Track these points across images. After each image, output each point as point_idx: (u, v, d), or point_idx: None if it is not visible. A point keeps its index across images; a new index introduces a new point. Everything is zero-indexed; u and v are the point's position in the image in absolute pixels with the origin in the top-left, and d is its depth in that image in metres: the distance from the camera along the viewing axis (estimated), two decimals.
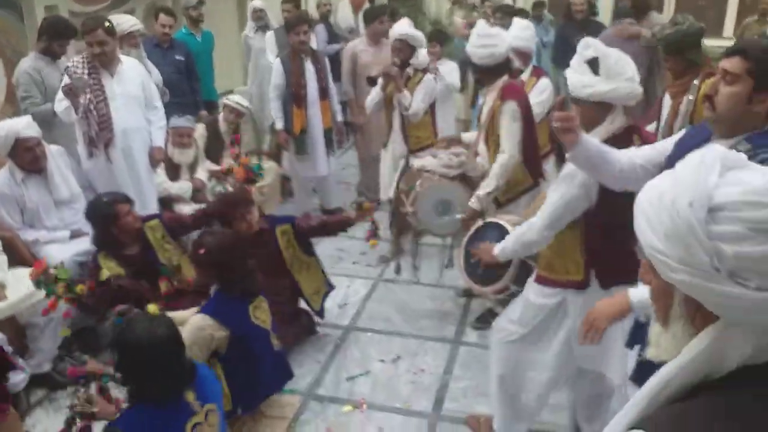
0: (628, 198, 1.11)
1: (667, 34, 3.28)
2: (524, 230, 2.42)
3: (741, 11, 9.35)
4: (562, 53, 5.87)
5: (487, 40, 3.32)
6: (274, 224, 3.59)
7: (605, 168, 2.01)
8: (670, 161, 1.87)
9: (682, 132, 2.03)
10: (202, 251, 2.77)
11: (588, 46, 2.24)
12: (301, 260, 3.66)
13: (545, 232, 2.34)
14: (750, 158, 1.37)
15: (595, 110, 2.23)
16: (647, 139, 2.30)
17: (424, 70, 4.43)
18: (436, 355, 3.59)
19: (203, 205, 4.08)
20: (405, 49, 4.29)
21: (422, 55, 4.52)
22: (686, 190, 0.85)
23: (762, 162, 1.62)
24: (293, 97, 4.88)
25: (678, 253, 0.85)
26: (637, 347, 1.92)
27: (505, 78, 3.38)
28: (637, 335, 1.90)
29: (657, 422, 0.89)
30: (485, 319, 3.83)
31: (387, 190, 4.68)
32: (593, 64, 2.20)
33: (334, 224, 3.79)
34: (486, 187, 3.31)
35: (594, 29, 5.55)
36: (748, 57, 1.71)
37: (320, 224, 3.78)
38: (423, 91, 4.32)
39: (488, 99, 3.45)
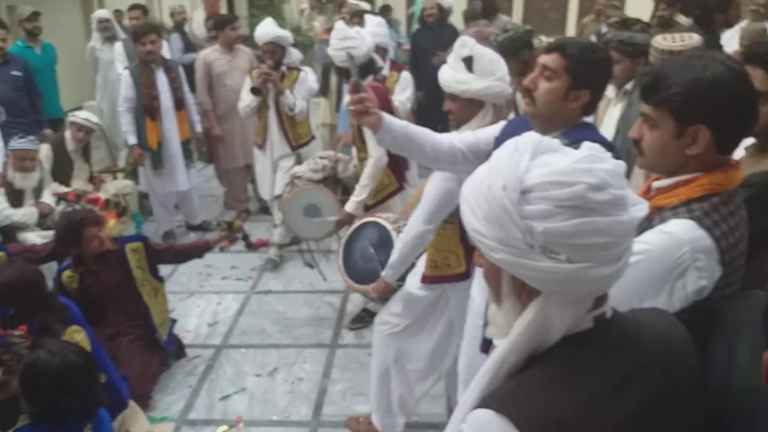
0: None
1: (501, 40, 3.56)
2: (406, 234, 2.44)
3: (580, 11, 10.16)
4: (418, 58, 6.03)
5: (348, 42, 3.33)
6: (124, 242, 3.34)
7: (416, 150, 2.01)
8: (497, 145, 1.93)
9: (503, 122, 2.10)
10: None
11: (464, 45, 2.29)
12: (150, 284, 3.42)
13: (427, 227, 2.37)
14: None
15: (469, 106, 2.30)
16: None
17: (297, 68, 4.45)
18: (314, 361, 3.54)
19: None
20: (276, 50, 4.29)
21: (294, 53, 4.54)
22: (500, 175, 0.90)
23: None
24: (146, 109, 4.62)
25: (496, 234, 0.90)
26: None
27: (370, 79, 3.40)
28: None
29: (498, 398, 0.92)
30: (361, 319, 3.85)
31: (267, 190, 4.65)
32: (468, 62, 2.27)
33: (191, 251, 3.60)
34: (360, 192, 3.36)
35: (448, 33, 5.73)
36: (565, 54, 1.75)
37: (177, 251, 3.59)
38: (302, 88, 4.37)
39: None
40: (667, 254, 1.29)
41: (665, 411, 0.99)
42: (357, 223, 3.05)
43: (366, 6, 6.18)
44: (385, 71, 4.24)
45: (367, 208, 3.48)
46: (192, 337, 3.79)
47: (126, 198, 4.72)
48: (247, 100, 4.39)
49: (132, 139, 4.72)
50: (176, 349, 3.59)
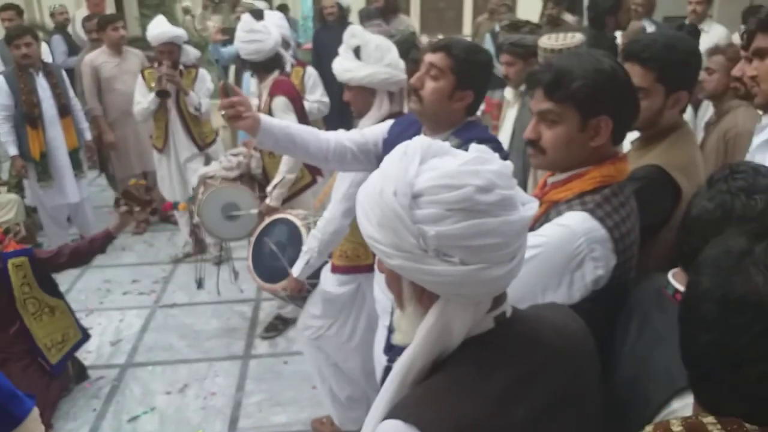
0: None
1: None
2: (324, 229, 2.39)
3: (475, 10, 10.46)
4: (321, 58, 5.97)
5: (254, 35, 3.27)
6: (7, 258, 2.99)
7: (301, 150, 1.97)
8: (386, 147, 1.95)
9: (390, 122, 2.09)
10: None
11: (353, 35, 2.29)
12: (41, 301, 3.10)
13: (345, 221, 2.34)
14: None
15: (361, 95, 2.30)
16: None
17: (195, 66, 4.35)
18: (227, 374, 3.42)
19: None
20: (174, 50, 4.19)
21: (191, 51, 4.45)
22: (391, 181, 0.90)
23: None
24: (26, 117, 4.28)
25: (391, 240, 0.89)
26: None
27: (276, 74, 3.37)
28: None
29: (406, 407, 0.92)
30: (274, 327, 3.77)
31: (176, 194, 4.50)
32: (357, 51, 2.27)
33: (89, 247, 3.12)
34: (284, 183, 3.34)
35: None
36: (451, 54, 1.77)
37: (71, 252, 3.11)
38: (202, 86, 4.31)
39: (263, 95, 3.42)
40: (564, 246, 1.32)
41: (569, 405, 1.01)
42: (266, 221, 3.00)
43: (262, 5, 6.05)
44: (288, 67, 4.19)
45: (281, 202, 3.44)
46: (94, 358, 3.57)
47: (23, 223, 4.31)
48: (144, 103, 4.22)
49: (12, 150, 4.36)
50: (77, 372, 3.36)
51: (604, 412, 1.12)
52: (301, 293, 2.64)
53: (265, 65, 3.35)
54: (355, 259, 2.50)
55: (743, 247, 0.77)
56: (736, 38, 3.62)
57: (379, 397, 0.98)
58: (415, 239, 0.87)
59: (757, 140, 1.66)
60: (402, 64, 2.35)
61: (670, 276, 1.27)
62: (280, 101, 3.28)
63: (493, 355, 0.96)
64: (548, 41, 2.86)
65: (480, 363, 0.95)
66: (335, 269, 2.56)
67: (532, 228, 1.38)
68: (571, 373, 1.03)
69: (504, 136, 3.22)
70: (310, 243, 2.45)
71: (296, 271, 2.52)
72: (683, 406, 1.06)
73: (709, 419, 0.74)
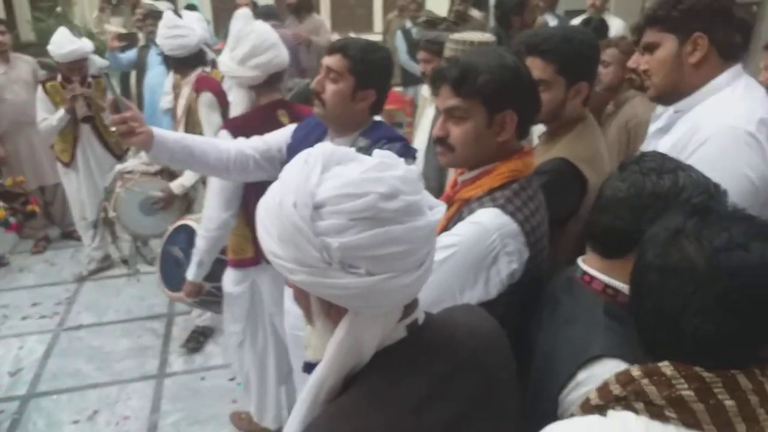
0: None
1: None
2: (207, 227, 2.33)
3: (386, 7, 10.48)
4: None
5: (178, 30, 3.22)
6: None
7: (199, 162, 1.90)
8: (291, 152, 1.92)
9: (293, 126, 2.05)
10: None
11: (239, 29, 2.29)
12: None
13: (227, 213, 2.29)
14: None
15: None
16: (299, 114, 2.30)
17: (100, 76, 4.15)
18: (140, 396, 3.24)
19: None
20: (83, 65, 4.02)
21: (97, 60, 4.32)
22: (291, 192, 0.85)
23: None
24: None
25: (293, 255, 0.85)
26: None
27: (199, 71, 3.33)
28: None
29: (319, 427, 0.90)
30: (195, 339, 3.63)
31: (81, 210, 4.32)
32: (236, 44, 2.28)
33: None
34: (191, 177, 3.33)
35: None
36: (347, 55, 1.76)
37: None
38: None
39: (183, 92, 3.36)
40: (478, 243, 1.34)
41: (486, 406, 1.01)
42: (170, 229, 2.94)
43: (164, 6, 5.79)
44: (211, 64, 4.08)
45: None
46: None
47: None
48: (54, 120, 3.99)
49: None
50: None
51: (522, 409, 1.13)
52: (199, 296, 2.57)
53: (189, 61, 3.29)
54: (240, 252, 2.48)
55: (678, 224, 0.90)
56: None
57: (292, 416, 0.95)
58: (318, 252, 0.83)
59: (652, 128, 1.73)
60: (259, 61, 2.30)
61: (579, 260, 1.32)
62: (207, 98, 3.22)
63: (406, 366, 0.94)
64: (460, 35, 2.87)
65: (392, 375, 0.93)
66: (229, 263, 2.54)
67: (446, 227, 1.41)
68: (487, 375, 1.03)
69: (422, 135, 3.20)
70: (198, 243, 2.39)
71: (190, 274, 2.45)
72: (588, 376, 1.13)
73: (663, 363, 0.88)
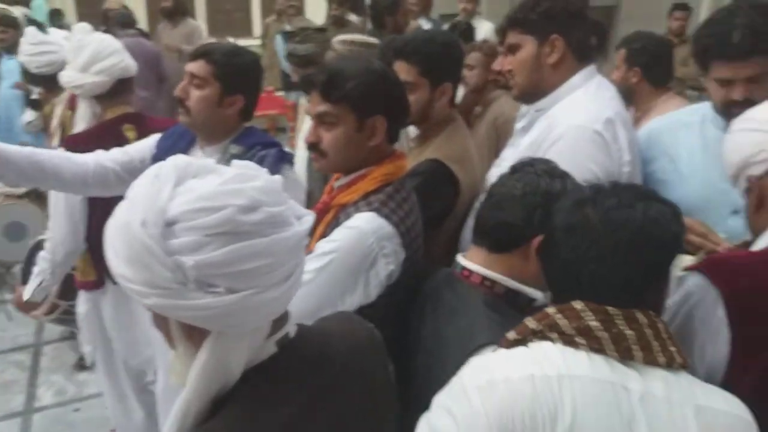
0: None
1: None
2: (52, 249, 2.15)
3: (263, 11, 10.31)
4: None
5: (45, 47, 2.96)
6: None
7: (52, 179, 1.79)
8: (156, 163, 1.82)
9: (157, 136, 1.96)
10: None
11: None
12: None
13: (74, 238, 2.14)
14: (248, 158, 1.41)
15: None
16: (150, 127, 2.19)
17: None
18: None
19: None
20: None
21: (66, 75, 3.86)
22: (139, 210, 0.81)
23: (260, 159, 1.68)
24: None
25: (143, 277, 0.80)
26: None
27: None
28: None
29: None
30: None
31: None
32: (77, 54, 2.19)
33: None
34: None
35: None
36: (211, 61, 1.72)
37: None
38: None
39: (56, 110, 3.06)
40: (356, 247, 1.35)
41: (366, 413, 1.01)
42: (30, 244, 2.70)
43: (18, 12, 5.31)
44: None
45: None
46: None
47: None
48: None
49: None
50: None
51: (400, 411, 1.13)
52: (53, 314, 2.42)
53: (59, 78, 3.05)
54: (83, 275, 2.34)
55: (580, 196, 1.06)
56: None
57: None
58: (171, 273, 0.78)
59: (518, 126, 1.81)
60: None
61: (458, 257, 1.37)
62: None
63: (277, 384, 0.91)
64: (347, 36, 2.88)
65: (262, 395, 0.90)
66: (78, 285, 2.40)
67: (324, 234, 1.42)
68: (365, 382, 1.02)
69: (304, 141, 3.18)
70: (41, 265, 2.19)
71: (26, 293, 2.21)
72: None
73: (551, 309, 1.01)
